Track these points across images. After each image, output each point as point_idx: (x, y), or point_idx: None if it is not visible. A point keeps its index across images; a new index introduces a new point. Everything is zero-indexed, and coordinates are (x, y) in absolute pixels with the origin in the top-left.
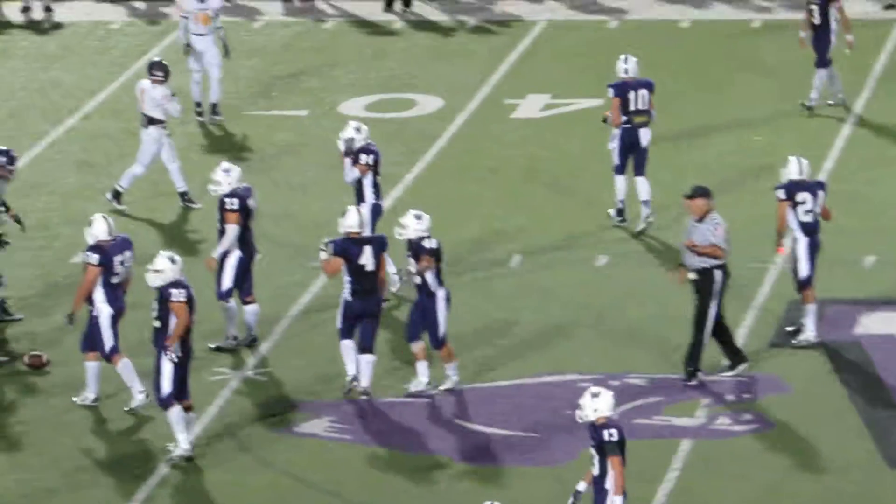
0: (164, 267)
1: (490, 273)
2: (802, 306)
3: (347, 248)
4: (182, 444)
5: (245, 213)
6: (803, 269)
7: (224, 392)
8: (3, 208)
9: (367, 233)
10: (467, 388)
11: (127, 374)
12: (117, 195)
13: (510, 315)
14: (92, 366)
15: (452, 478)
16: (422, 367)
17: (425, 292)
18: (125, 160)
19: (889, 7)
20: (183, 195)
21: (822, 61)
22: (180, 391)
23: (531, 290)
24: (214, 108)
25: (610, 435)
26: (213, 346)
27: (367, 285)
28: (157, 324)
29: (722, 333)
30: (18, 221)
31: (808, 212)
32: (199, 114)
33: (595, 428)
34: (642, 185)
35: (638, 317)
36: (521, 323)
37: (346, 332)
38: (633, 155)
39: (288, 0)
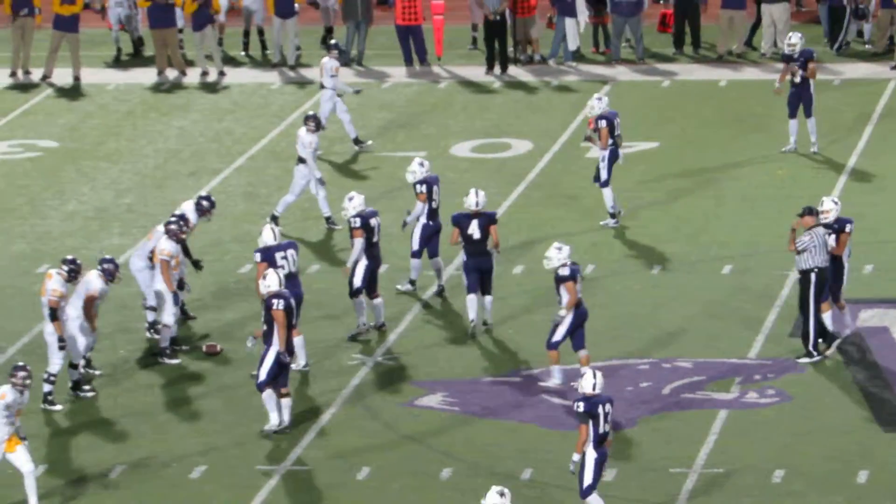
0: (270, 282)
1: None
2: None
3: (460, 220)
4: (272, 421)
5: (368, 230)
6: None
7: (360, 373)
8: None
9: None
10: (548, 369)
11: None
12: (275, 219)
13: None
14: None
15: (537, 440)
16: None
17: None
18: (281, 191)
19: None
20: (327, 219)
21: (809, 112)
22: (277, 380)
23: (600, 291)
24: (357, 140)
25: (577, 406)
26: (349, 335)
27: (476, 249)
28: (265, 326)
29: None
30: (197, 265)
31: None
32: (358, 142)
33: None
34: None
35: (685, 314)
36: (593, 318)
37: (470, 289)
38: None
39: (410, 65)
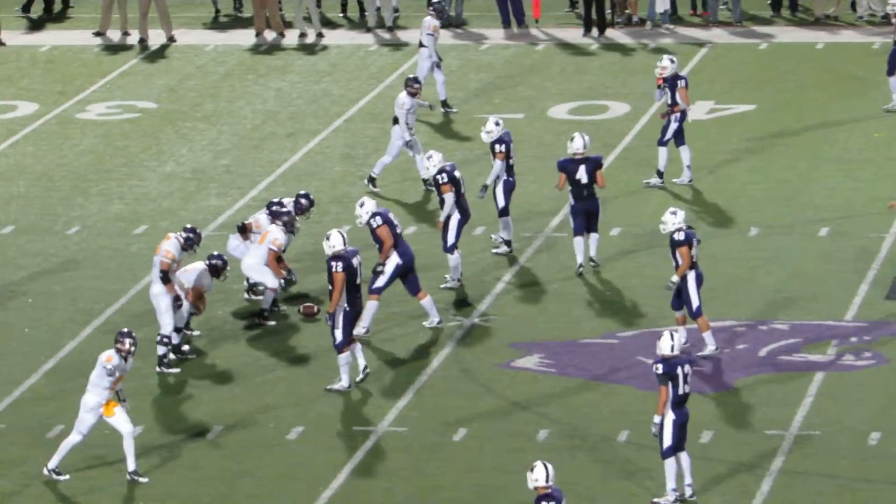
0: (335, 242)
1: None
2: None
3: (566, 165)
4: (344, 382)
5: (455, 184)
6: None
7: (456, 335)
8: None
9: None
10: (648, 331)
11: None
12: (372, 180)
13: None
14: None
15: (634, 402)
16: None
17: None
18: (379, 153)
19: None
20: (425, 181)
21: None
22: (348, 337)
23: (701, 257)
24: (445, 103)
25: (655, 368)
26: (443, 286)
27: (584, 193)
28: (331, 287)
29: None
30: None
31: None
32: (446, 105)
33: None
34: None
35: (782, 276)
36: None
37: (577, 231)
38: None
39: (508, 27)
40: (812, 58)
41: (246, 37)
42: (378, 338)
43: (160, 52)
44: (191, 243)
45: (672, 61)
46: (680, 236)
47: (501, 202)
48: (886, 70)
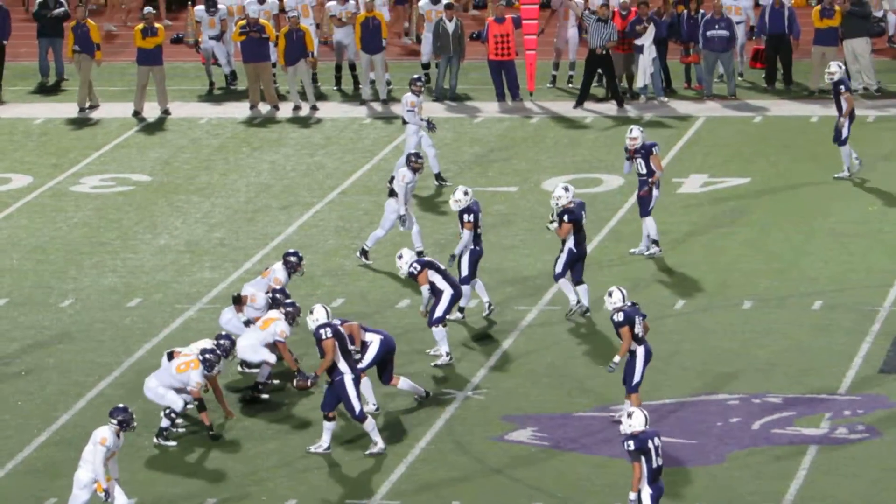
0: (319, 315)
1: (660, 314)
2: None
3: (576, 213)
4: (379, 444)
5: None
6: None
7: (449, 409)
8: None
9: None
10: (644, 404)
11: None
12: (364, 253)
13: (673, 347)
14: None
15: (627, 475)
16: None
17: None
18: (373, 226)
19: None
20: (419, 253)
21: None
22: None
23: (690, 326)
24: (439, 176)
25: (627, 445)
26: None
27: (583, 239)
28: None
29: None
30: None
31: None
32: (441, 178)
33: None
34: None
35: (775, 349)
36: (682, 353)
37: (562, 274)
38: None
39: (502, 100)
40: (806, 131)
41: (240, 109)
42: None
43: (155, 125)
44: (213, 363)
45: (641, 131)
46: (619, 317)
47: (465, 271)
48: (833, 138)
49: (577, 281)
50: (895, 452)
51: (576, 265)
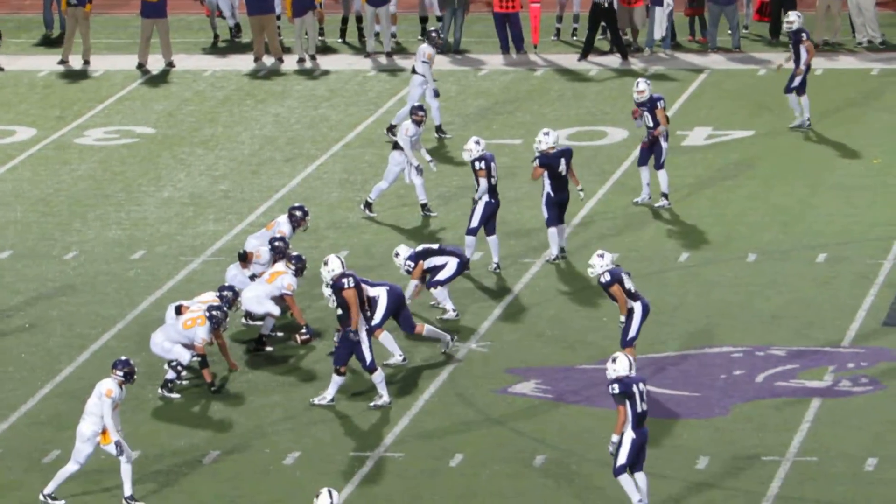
0: (334, 265)
1: (665, 266)
2: None
3: (550, 160)
4: (385, 397)
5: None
6: None
7: (453, 362)
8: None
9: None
10: (645, 357)
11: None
12: (368, 205)
13: (677, 299)
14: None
15: None
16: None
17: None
18: (376, 178)
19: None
20: (423, 206)
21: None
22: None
23: (694, 280)
24: (440, 128)
25: (612, 388)
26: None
27: (562, 185)
28: (339, 311)
29: None
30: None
31: None
32: (442, 131)
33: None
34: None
35: (779, 302)
36: (686, 305)
37: (552, 222)
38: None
39: (507, 53)
40: (811, 84)
41: (244, 62)
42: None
43: (159, 78)
44: (220, 320)
45: (648, 84)
46: (605, 278)
47: (475, 222)
48: (784, 88)
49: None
50: None
51: (554, 209)
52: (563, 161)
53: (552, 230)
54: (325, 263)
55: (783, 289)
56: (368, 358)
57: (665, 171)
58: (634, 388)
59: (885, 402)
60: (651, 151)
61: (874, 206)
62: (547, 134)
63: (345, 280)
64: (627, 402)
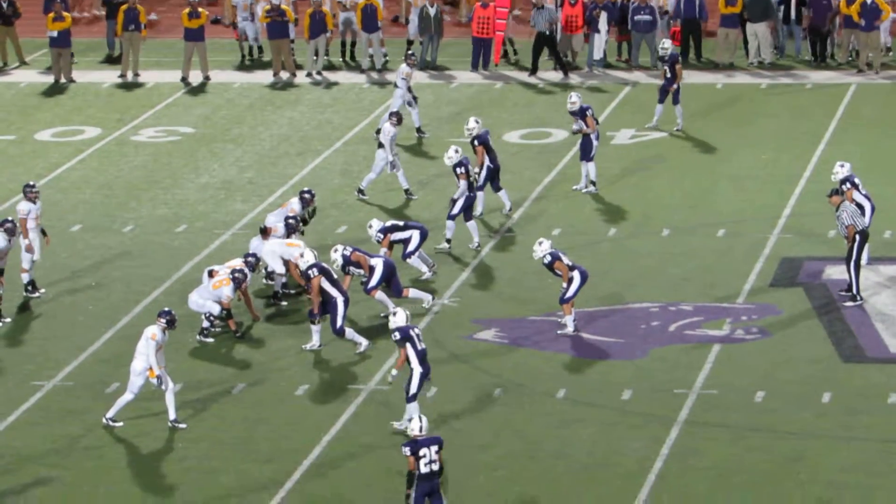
0: (308, 258)
1: (596, 239)
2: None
3: (481, 136)
4: (363, 343)
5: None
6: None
7: (430, 314)
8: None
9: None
10: (581, 310)
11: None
12: (361, 191)
13: (606, 266)
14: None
15: (570, 367)
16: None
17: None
18: (368, 170)
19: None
20: (406, 191)
21: (676, 99)
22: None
23: (620, 249)
24: (420, 129)
25: (394, 335)
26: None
27: (493, 156)
28: (320, 298)
29: (857, 271)
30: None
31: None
32: (421, 131)
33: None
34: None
35: (688, 267)
36: (615, 271)
37: (482, 186)
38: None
39: (475, 69)
40: (713, 95)
41: (266, 76)
42: (368, 316)
43: (198, 88)
44: (240, 280)
45: (579, 96)
46: (547, 259)
47: (455, 210)
48: (658, 98)
49: (497, 188)
50: (781, 349)
51: (495, 177)
52: (488, 136)
53: (502, 192)
54: (301, 256)
55: (691, 257)
56: (338, 324)
57: (594, 164)
58: (411, 332)
59: (771, 348)
60: (590, 148)
61: (763, 192)
62: (477, 122)
63: (310, 271)
64: (408, 344)
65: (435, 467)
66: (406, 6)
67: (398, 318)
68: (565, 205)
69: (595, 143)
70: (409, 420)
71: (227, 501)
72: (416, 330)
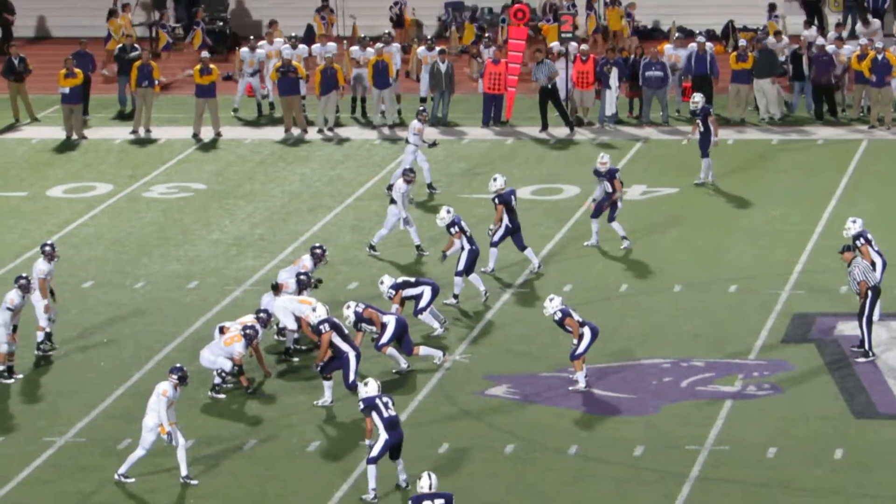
0: (320, 312)
1: (608, 295)
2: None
3: (503, 195)
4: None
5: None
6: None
7: (442, 370)
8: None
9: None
10: (592, 366)
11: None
12: (372, 247)
13: (617, 322)
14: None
15: (581, 423)
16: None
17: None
18: (380, 226)
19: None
20: (418, 247)
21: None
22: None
23: (633, 305)
24: (430, 185)
25: (360, 405)
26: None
27: (513, 216)
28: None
29: (870, 327)
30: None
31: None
32: (432, 187)
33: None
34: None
35: (699, 323)
36: (628, 327)
37: (496, 243)
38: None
39: (486, 125)
40: (725, 151)
41: (277, 132)
42: (379, 371)
43: (209, 144)
44: (251, 337)
45: (608, 157)
46: (557, 316)
47: (461, 266)
48: (701, 153)
49: (522, 247)
50: (793, 405)
51: (515, 235)
52: (513, 197)
53: (528, 251)
54: (314, 310)
55: (702, 313)
56: (351, 378)
57: (618, 223)
58: (378, 402)
59: (783, 404)
60: (602, 209)
61: (774, 248)
62: (495, 179)
63: (322, 326)
64: (374, 413)
65: None
66: (417, 63)
67: (369, 388)
68: (577, 261)
69: (619, 205)
70: (374, 488)
71: None
72: (386, 398)
